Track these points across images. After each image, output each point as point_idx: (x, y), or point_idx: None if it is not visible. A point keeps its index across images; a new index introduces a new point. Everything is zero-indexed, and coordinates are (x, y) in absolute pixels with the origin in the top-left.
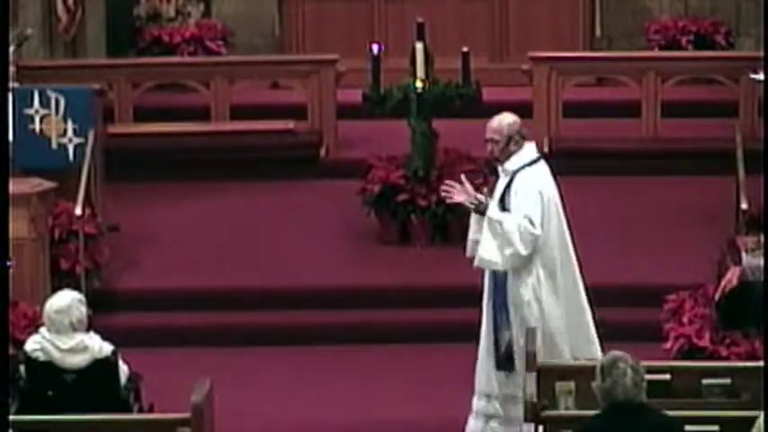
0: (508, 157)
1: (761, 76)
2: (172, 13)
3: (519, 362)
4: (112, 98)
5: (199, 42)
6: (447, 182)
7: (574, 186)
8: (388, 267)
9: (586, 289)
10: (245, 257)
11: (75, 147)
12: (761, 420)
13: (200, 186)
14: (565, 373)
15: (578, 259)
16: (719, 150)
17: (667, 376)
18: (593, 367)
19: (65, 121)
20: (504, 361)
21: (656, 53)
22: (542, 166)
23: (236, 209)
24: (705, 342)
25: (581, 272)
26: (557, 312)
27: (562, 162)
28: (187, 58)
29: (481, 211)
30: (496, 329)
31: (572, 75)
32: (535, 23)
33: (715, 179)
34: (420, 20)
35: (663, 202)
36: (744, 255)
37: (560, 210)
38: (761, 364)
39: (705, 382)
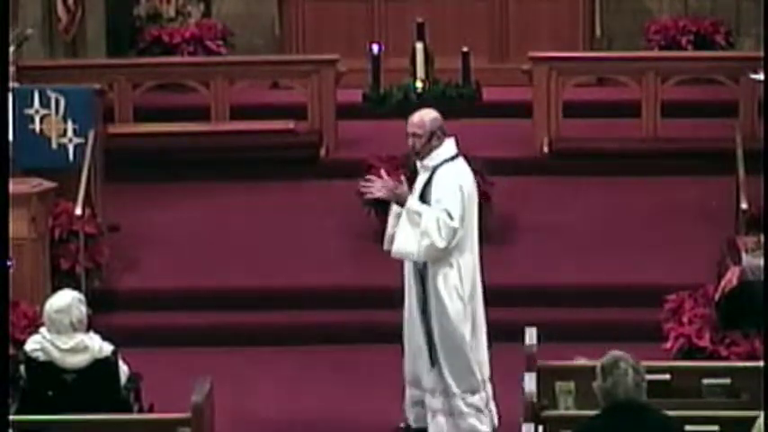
0: (429, 152)
1: (761, 76)
2: (172, 13)
3: (442, 355)
4: (112, 98)
5: (199, 42)
6: (367, 177)
7: (574, 186)
8: (388, 267)
9: (485, 291)
10: (245, 257)
11: (75, 147)
12: (761, 420)
13: (200, 186)
14: (565, 373)
15: (481, 261)
16: (719, 150)
17: (667, 376)
18: (594, 367)
19: (65, 121)
20: (434, 355)
21: (656, 53)
22: (461, 163)
23: (236, 209)
24: (705, 342)
25: (482, 274)
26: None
27: (562, 162)
28: (187, 58)
29: (401, 202)
30: (427, 323)
31: (572, 75)
32: (535, 24)
33: (715, 179)
34: (420, 20)
35: (662, 202)
36: (744, 255)
37: (475, 208)
38: (761, 364)
39: (705, 382)
